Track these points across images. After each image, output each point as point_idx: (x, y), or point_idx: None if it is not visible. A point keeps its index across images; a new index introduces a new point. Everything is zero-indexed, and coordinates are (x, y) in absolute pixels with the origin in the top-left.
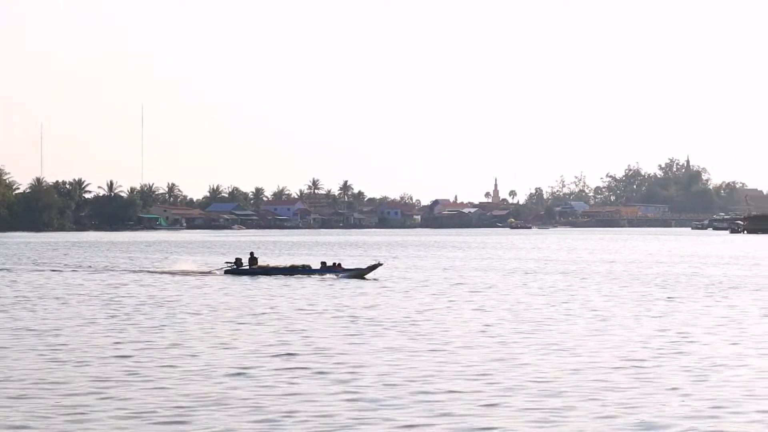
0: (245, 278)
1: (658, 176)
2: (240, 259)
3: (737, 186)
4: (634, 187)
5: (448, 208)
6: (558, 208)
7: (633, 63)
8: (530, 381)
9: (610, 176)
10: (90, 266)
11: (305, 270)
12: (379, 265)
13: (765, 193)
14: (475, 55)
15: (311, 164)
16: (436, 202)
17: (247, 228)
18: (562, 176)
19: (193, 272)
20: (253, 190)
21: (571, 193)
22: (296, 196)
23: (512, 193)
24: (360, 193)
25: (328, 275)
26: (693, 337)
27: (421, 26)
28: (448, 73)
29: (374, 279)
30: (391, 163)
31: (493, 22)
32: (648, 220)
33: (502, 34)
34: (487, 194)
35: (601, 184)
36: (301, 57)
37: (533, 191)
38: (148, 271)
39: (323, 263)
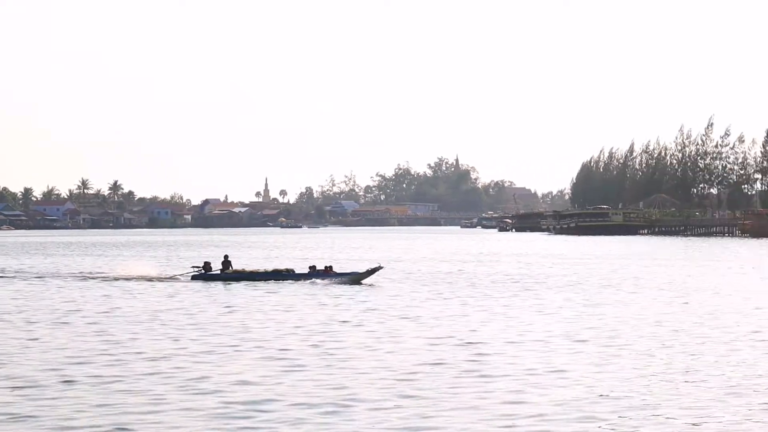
0: (215, 285)
1: (428, 175)
2: (209, 263)
3: (505, 185)
4: (404, 186)
5: (218, 208)
6: (328, 208)
7: (400, 63)
8: (320, 388)
9: (380, 175)
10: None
11: (290, 275)
12: (380, 268)
13: (533, 191)
14: (245, 54)
15: (81, 164)
16: (206, 202)
17: (16, 228)
18: (332, 175)
19: (154, 278)
20: (22, 191)
21: (342, 193)
22: (66, 197)
23: (283, 193)
24: (130, 193)
25: (319, 280)
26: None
27: (189, 25)
28: (216, 72)
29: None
30: (161, 163)
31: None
32: (417, 218)
33: (268, 35)
34: (258, 194)
35: (371, 183)
36: (74, 53)
37: (304, 190)
38: (101, 278)
39: (312, 267)
